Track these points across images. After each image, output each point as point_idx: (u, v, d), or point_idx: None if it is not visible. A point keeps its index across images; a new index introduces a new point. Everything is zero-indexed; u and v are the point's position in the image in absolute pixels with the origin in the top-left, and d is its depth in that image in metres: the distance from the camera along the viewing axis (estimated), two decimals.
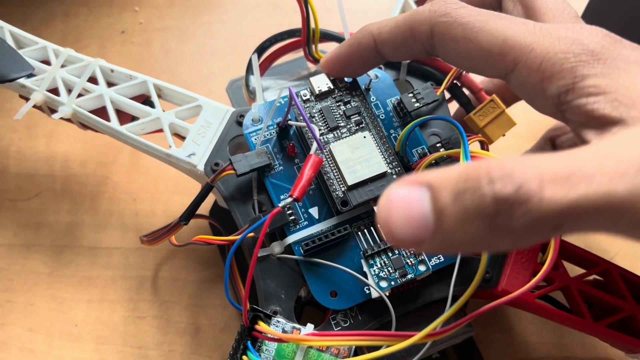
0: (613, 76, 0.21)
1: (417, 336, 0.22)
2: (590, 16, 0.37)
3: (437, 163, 0.29)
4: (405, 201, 0.18)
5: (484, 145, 0.32)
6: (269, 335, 0.24)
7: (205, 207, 0.38)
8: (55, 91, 0.33)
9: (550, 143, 0.32)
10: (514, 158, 0.17)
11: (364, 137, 0.28)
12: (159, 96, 0.33)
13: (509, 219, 0.17)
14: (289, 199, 0.25)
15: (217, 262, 0.37)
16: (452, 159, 0.29)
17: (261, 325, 0.25)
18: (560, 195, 0.16)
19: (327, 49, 0.35)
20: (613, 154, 0.17)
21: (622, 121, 0.20)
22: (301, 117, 0.29)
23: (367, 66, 0.29)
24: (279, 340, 0.24)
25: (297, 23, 0.33)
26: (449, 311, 0.23)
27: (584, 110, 0.21)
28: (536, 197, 0.16)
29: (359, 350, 0.27)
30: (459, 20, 0.24)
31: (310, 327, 0.26)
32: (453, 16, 0.24)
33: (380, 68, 0.33)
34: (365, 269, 0.27)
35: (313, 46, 0.34)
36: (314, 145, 0.26)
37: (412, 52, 0.26)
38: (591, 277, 0.32)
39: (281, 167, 0.29)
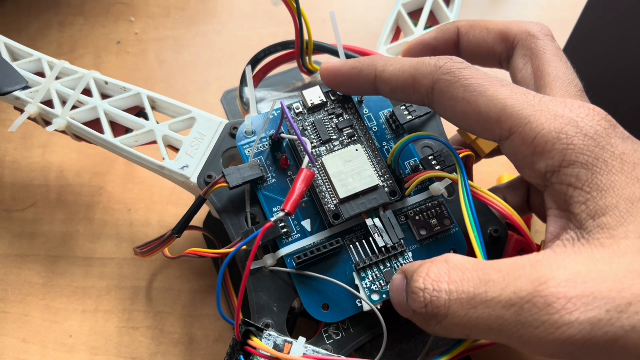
0: (595, 170, 0.21)
1: None
2: (577, 38, 0.38)
3: (431, 180, 0.30)
4: (398, 287, 0.24)
5: (469, 161, 0.32)
6: (262, 352, 0.24)
7: (199, 218, 0.38)
8: (49, 103, 0.33)
9: (526, 184, 0.32)
10: (440, 267, 0.22)
11: (356, 149, 0.28)
12: (153, 108, 0.33)
13: (426, 325, 0.22)
14: (281, 213, 0.25)
15: (211, 273, 0.37)
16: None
17: (254, 341, 0.25)
18: (461, 314, 0.20)
19: (321, 60, 0.35)
20: (518, 281, 0.20)
21: (580, 228, 0.21)
22: (293, 130, 0.29)
23: (360, 92, 0.30)
24: (273, 359, 0.24)
25: (292, 34, 0.33)
26: (454, 351, 0.24)
27: (560, 198, 0.22)
28: (442, 314, 0.21)
29: None
30: (461, 80, 0.24)
31: (302, 341, 0.26)
32: (457, 75, 0.24)
33: None
34: (357, 281, 0.27)
35: (307, 57, 0.34)
36: (306, 159, 0.26)
37: (409, 98, 0.27)
38: None
39: (274, 180, 0.29)
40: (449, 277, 0.21)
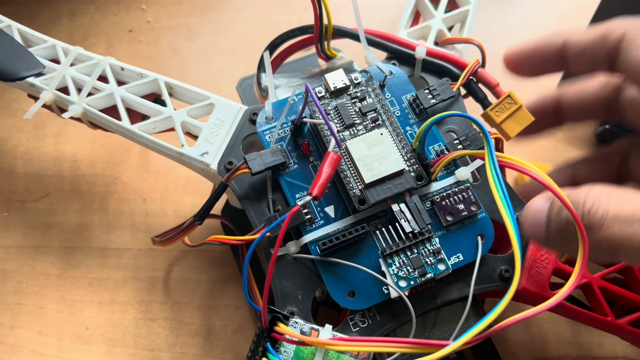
0: None
1: (451, 347, 0.22)
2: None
3: (455, 162, 0.29)
4: (536, 209, 0.24)
5: (499, 143, 0.31)
6: (289, 337, 0.24)
7: (217, 207, 0.37)
8: (64, 90, 0.32)
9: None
10: (601, 190, 0.23)
11: (381, 134, 0.28)
12: (170, 94, 0.32)
13: (574, 237, 0.22)
14: (308, 197, 0.24)
15: (229, 263, 0.37)
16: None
17: (281, 327, 0.24)
18: (615, 229, 0.22)
19: (339, 46, 0.35)
20: None
21: None
22: (317, 114, 0.28)
23: (545, 68, 0.30)
24: (301, 343, 0.24)
25: (306, 21, 0.32)
26: (482, 323, 0.23)
27: None
28: (597, 225, 0.22)
29: (377, 354, 0.27)
30: None
31: (328, 328, 0.25)
32: None
33: (395, 64, 0.32)
34: (383, 268, 0.27)
35: (326, 43, 0.33)
36: (332, 142, 0.26)
37: (595, 59, 0.28)
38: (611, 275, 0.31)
39: (296, 166, 0.29)
40: (610, 197, 0.22)
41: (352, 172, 0.28)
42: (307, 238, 0.28)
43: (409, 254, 0.27)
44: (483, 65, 0.32)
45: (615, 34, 0.27)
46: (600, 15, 0.37)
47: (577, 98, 0.31)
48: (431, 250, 0.27)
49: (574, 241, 0.22)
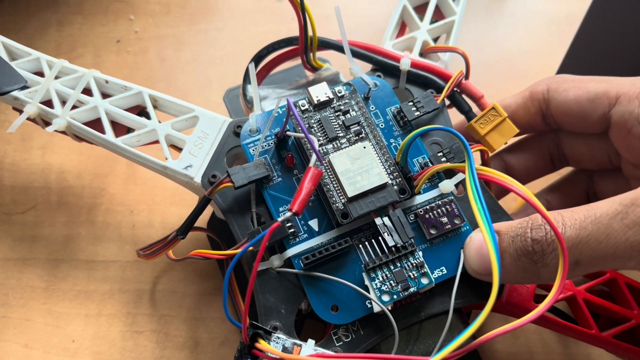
0: None
1: None
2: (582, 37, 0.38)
3: (439, 175, 0.29)
4: (481, 245, 0.26)
5: (484, 155, 0.31)
6: (270, 355, 0.24)
7: (203, 219, 0.37)
8: (49, 103, 0.32)
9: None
10: (553, 213, 0.24)
11: (364, 147, 0.28)
12: (155, 107, 0.32)
13: (542, 255, 0.24)
14: (289, 213, 0.24)
15: (216, 274, 0.37)
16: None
17: (262, 344, 0.24)
18: (574, 235, 0.23)
19: (325, 56, 0.35)
20: (622, 197, 0.23)
21: None
22: (300, 128, 0.28)
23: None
24: None
25: (295, 30, 0.32)
26: (464, 335, 0.22)
27: None
28: (559, 238, 0.22)
29: None
30: (571, 77, 0.31)
31: (311, 343, 0.25)
32: (565, 76, 0.31)
33: (379, 76, 0.32)
34: (366, 282, 0.27)
35: (311, 54, 0.33)
36: (313, 157, 0.25)
37: (529, 114, 0.31)
38: (596, 288, 0.31)
39: (280, 179, 0.29)
40: (561, 215, 0.24)
41: (335, 185, 0.28)
42: (291, 252, 0.28)
43: (392, 267, 0.27)
44: (467, 75, 0.32)
45: (540, 88, 0.31)
46: (588, 24, 0.37)
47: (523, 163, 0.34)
48: (414, 264, 0.27)
49: (539, 262, 0.24)
